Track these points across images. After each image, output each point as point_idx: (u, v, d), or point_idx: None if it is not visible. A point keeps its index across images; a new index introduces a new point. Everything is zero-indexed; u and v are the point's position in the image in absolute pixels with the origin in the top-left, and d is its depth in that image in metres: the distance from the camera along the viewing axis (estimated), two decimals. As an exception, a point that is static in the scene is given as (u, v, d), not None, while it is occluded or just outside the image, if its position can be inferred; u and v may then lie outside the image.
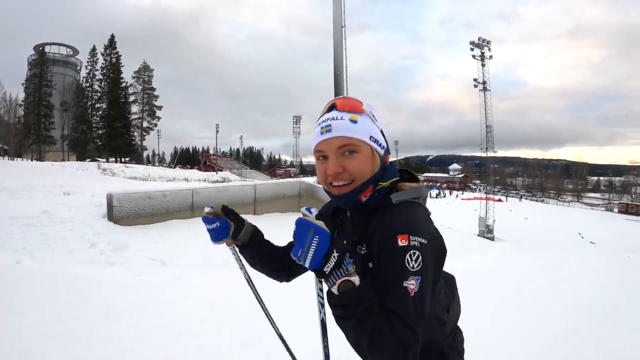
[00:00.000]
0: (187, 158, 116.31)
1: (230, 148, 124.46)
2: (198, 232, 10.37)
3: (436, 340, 1.62)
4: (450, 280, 1.81)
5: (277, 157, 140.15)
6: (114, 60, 70.55)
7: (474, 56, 39.05)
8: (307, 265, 1.24)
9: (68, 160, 53.46)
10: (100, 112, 70.12)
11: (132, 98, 74.92)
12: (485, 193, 36.70)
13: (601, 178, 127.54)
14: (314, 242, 1.22)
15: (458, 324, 1.82)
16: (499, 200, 52.76)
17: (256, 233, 1.91)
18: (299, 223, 1.26)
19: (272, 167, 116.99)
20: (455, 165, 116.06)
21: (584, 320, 6.37)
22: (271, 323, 2.05)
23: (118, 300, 6.24)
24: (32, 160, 54.77)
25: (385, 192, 1.47)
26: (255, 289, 2.02)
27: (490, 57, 38.82)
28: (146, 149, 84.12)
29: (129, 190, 10.68)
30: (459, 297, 1.84)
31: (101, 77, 70.40)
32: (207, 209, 1.79)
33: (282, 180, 22.31)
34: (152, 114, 76.34)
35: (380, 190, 1.46)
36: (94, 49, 70.53)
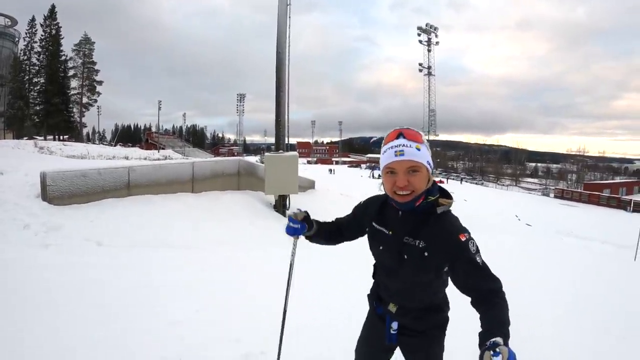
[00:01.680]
0: (129, 136, 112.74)
1: (174, 126, 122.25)
2: (134, 211, 10.34)
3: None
4: None
5: (220, 135, 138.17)
6: (53, 32, 67.24)
7: (420, 41, 39.80)
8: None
9: (4, 139, 51.13)
10: (38, 87, 66.85)
11: (71, 72, 72.10)
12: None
13: (539, 164, 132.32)
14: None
15: None
16: (440, 182, 53.88)
17: (319, 228, 2.58)
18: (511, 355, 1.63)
19: (216, 145, 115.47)
20: None
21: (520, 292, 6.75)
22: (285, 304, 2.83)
23: (53, 282, 6.18)
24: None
25: (431, 203, 2.09)
26: (291, 277, 2.79)
27: (437, 43, 39.93)
28: (86, 126, 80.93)
29: (64, 168, 10.31)
30: None
31: (40, 50, 67.13)
32: (295, 211, 2.53)
33: (221, 158, 22.16)
34: (92, 90, 73.77)
35: (428, 202, 2.09)
36: (32, 20, 66.86)
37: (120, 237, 8.73)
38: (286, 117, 14.09)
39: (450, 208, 2.14)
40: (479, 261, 1.98)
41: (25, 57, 67.29)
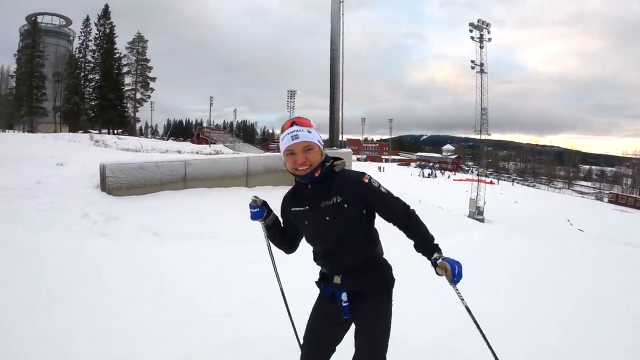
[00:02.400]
0: (180, 130, 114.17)
1: (224, 121, 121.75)
2: (190, 204, 10.44)
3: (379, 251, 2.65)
4: None
5: (270, 131, 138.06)
6: (107, 30, 69.30)
7: (472, 38, 38.91)
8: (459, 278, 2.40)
9: (60, 132, 52.88)
10: (93, 84, 69.18)
11: (125, 69, 73.88)
12: (477, 175, 36.88)
13: (593, 167, 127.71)
14: (461, 268, 2.43)
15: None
16: (491, 182, 52.93)
17: (277, 221, 2.79)
18: (456, 265, 2.39)
19: (265, 141, 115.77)
20: (448, 146, 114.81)
21: (591, 311, 6.33)
22: (280, 286, 3.17)
23: (108, 269, 6.28)
24: (23, 132, 54.30)
25: (328, 169, 2.47)
26: (273, 257, 3.03)
27: (489, 39, 38.73)
28: (139, 121, 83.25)
29: (122, 160, 10.61)
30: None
31: (94, 48, 69.29)
32: (253, 198, 2.71)
33: (275, 153, 22.33)
34: (145, 86, 75.46)
35: (326, 168, 2.46)
36: (87, 20, 69.15)
37: (175, 228, 8.78)
38: (340, 114, 14.00)
39: (345, 167, 2.58)
40: (384, 191, 2.48)
41: (81, 55, 69.73)
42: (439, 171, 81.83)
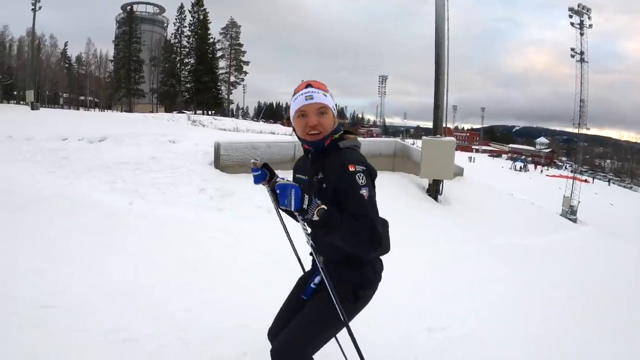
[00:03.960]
0: (271, 113, 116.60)
1: None
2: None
3: None
4: (384, 221, 2.52)
5: (360, 116, 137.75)
6: (201, 17, 72.55)
7: (572, 24, 36.96)
8: (292, 208, 2.08)
9: (157, 112, 55.44)
10: (189, 67, 72.79)
11: (219, 54, 76.94)
12: (572, 172, 35.27)
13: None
14: (292, 193, 2.06)
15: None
16: (585, 181, 50.17)
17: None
18: (280, 186, 2.10)
19: (355, 125, 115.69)
20: (542, 139, 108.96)
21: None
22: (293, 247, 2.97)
23: (229, 242, 6.49)
24: (121, 112, 57.34)
25: (337, 141, 2.34)
26: (284, 224, 2.79)
27: (590, 25, 36.62)
28: (232, 103, 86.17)
29: (235, 140, 10.99)
30: (387, 237, 2.56)
31: (189, 34, 72.92)
32: (253, 161, 2.55)
33: (378, 138, 22.32)
34: (239, 69, 78.35)
35: (334, 140, 2.34)
36: (181, 7, 72.99)
37: (289, 207, 8.92)
38: (445, 101, 13.72)
39: (356, 145, 2.40)
40: (362, 193, 2.13)
41: (177, 41, 73.61)
42: (532, 165, 78.71)
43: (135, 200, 8.74)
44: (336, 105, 2.44)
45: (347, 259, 2.34)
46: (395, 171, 13.44)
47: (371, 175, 2.26)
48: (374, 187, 2.25)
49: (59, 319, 3.72)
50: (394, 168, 13.52)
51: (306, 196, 2.08)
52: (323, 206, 2.08)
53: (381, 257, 2.54)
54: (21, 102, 61.28)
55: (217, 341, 3.73)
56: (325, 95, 2.31)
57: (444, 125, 13.93)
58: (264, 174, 2.55)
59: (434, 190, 12.82)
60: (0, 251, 5.22)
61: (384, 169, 12.97)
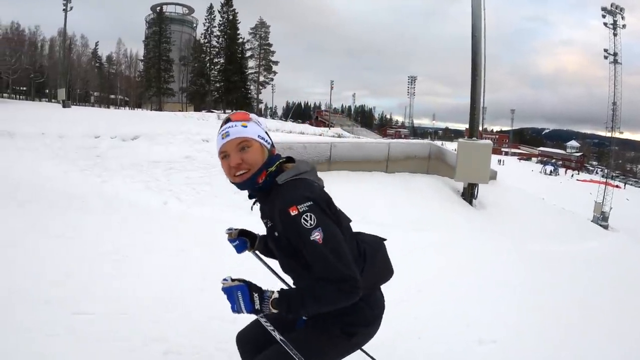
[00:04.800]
0: (299, 113, 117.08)
1: (342, 105, 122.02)
2: (334, 185, 10.42)
3: None
4: (373, 244, 2.24)
5: (388, 117, 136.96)
6: (230, 17, 73.26)
7: (605, 24, 36.31)
8: (245, 312, 1.81)
9: (186, 111, 56.15)
10: (218, 67, 73.61)
11: (249, 53, 77.61)
12: (604, 177, 34.63)
13: None
14: (239, 297, 1.80)
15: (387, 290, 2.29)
16: (616, 186, 49.06)
17: (265, 241, 2.30)
18: (226, 290, 1.82)
19: (383, 126, 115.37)
20: (573, 142, 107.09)
21: None
22: None
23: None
24: (151, 110, 58.26)
25: (274, 175, 1.97)
26: (282, 278, 2.54)
27: (624, 26, 35.91)
28: (262, 102, 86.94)
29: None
30: (382, 262, 2.25)
31: (219, 34, 73.68)
32: (227, 231, 2.46)
33: (413, 140, 22.24)
34: (268, 69, 79.03)
35: (270, 174, 1.97)
36: (211, 7, 73.80)
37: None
38: (481, 103, 13.51)
39: (298, 172, 1.98)
40: (313, 239, 1.79)
41: (206, 41, 74.67)
42: (563, 169, 77.34)
43: (169, 199, 8.77)
44: (267, 132, 2.08)
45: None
46: (430, 174, 13.28)
47: (321, 206, 1.87)
48: (329, 216, 1.90)
49: (94, 326, 3.61)
50: (428, 170, 13.35)
51: (255, 295, 1.81)
52: (275, 295, 1.82)
53: (382, 292, 2.26)
54: (52, 100, 63.14)
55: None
56: (245, 126, 1.98)
57: (482, 127, 13.75)
58: (243, 242, 2.45)
59: (469, 194, 12.60)
60: (31, 251, 5.22)
61: (418, 171, 12.89)
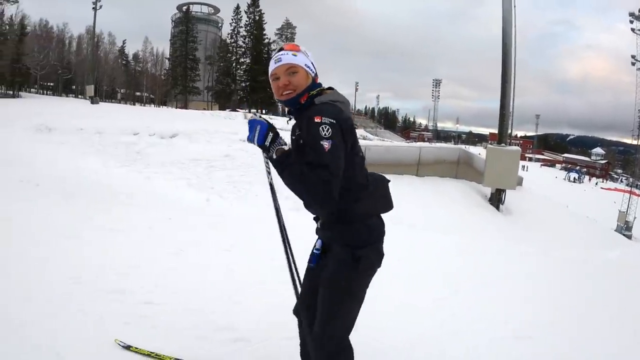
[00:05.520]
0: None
1: (366, 107, 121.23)
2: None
3: (350, 202, 2.23)
4: (377, 178, 2.48)
5: (412, 119, 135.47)
6: (257, 18, 73.40)
7: (632, 30, 35.87)
8: (255, 143, 2.14)
9: (212, 110, 56.60)
10: (244, 67, 73.75)
11: (275, 54, 77.86)
12: (629, 185, 34.22)
13: None
14: (257, 128, 2.13)
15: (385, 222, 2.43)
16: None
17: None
18: (250, 121, 2.18)
19: (406, 129, 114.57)
20: (598, 150, 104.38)
21: None
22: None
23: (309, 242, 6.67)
24: (176, 108, 58.84)
25: (314, 97, 2.24)
26: (275, 195, 2.70)
27: (653, 31, 35.37)
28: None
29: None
30: (382, 194, 2.44)
31: (245, 34, 73.85)
32: (252, 111, 2.64)
33: (444, 145, 22.41)
34: (294, 70, 79.11)
35: (311, 96, 2.26)
36: (237, 8, 74.00)
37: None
38: (511, 109, 13.71)
39: (335, 99, 2.25)
40: (322, 144, 2.01)
41: (233, 40, 74.79)
42: (587, 176, 76.23)
43: (211, 196, 9.03)
44: (312, 63, 2.35)
45: (338, 217, 2.25)
46: (458, 178, 13.49)
47: (342, 128, 2.10)
48: (345, 141, 2.12)
49: (165, 315, 3.74)
50: (456, 175, 13.57)
51: (271, 134, 2.13)
52: (286, 149, 2.12)
53: (382, 216, 2.42)
54: (79, 96, 64.15)
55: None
56: (295, 55, 2.28)
57: (511, 131, 13.93)
58: (264, 126, 2.20)
59: (496, 199, 12.81)
60: (87, 243, 5.35)
61: (447, 175, 13.11)
